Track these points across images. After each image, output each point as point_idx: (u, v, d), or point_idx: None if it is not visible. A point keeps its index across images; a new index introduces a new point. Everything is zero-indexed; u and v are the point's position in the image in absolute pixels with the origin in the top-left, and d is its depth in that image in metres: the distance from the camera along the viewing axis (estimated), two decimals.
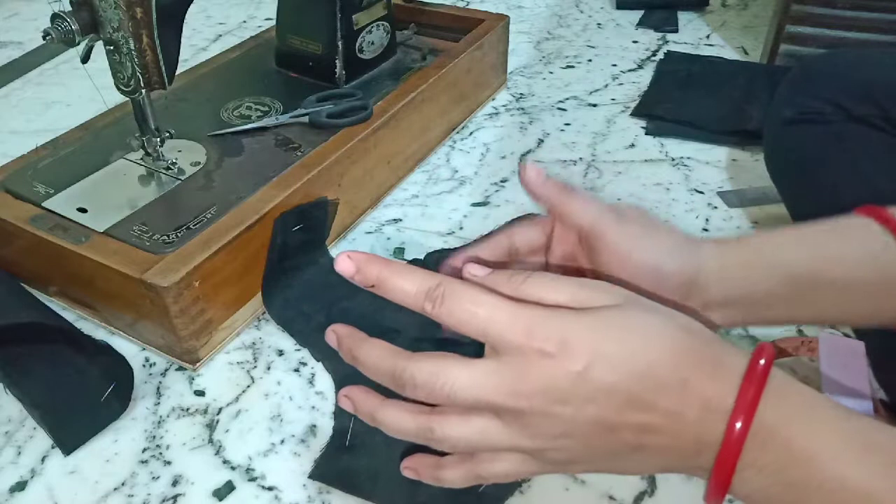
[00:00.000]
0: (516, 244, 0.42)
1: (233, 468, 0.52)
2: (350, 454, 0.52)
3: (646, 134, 0.91)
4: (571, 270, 0.40)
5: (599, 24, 1.24)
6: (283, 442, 0.54)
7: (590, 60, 1.11)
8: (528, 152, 0.88)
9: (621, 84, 1.03)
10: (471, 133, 0.92)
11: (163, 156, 0.67)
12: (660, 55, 1.11)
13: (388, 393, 0.39)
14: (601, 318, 0.30)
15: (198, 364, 0.60)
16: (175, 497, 0.51)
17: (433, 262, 0.69)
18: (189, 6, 0.62)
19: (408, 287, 0.34)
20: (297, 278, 0.66)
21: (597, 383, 0.29)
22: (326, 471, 0.51)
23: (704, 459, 0.29)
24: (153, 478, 0.52)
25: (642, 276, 0.36)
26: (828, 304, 0.37)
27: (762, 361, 0.29)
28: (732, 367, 0.29)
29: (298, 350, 0.62)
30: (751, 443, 0.28)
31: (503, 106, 0.98)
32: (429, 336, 0.58)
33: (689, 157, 0.86)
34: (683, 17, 1.24)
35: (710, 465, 0.29)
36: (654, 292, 0.35)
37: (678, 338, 0.30)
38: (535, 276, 0.32)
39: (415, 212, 0.78)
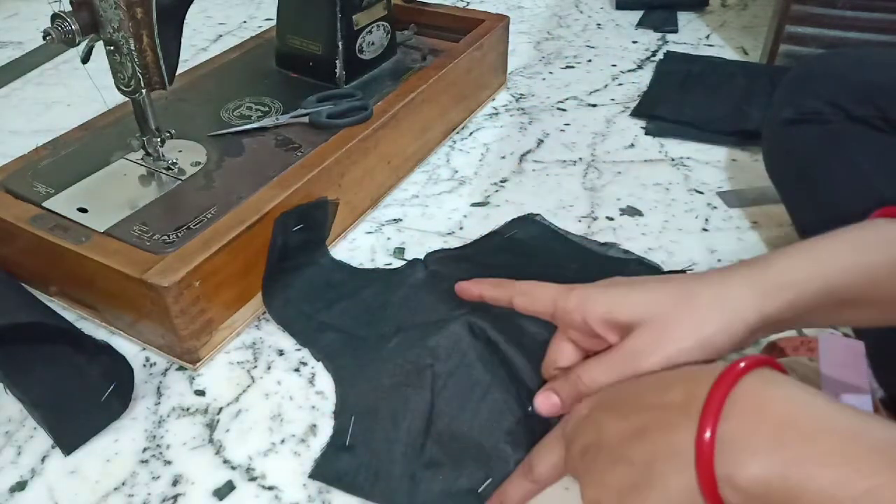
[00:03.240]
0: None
1: (233, 468, 0.52)
2: (350, 454, 0.52)
3: (645, 134, 0.91)
4: None
5: (599, 24, 1.24)
6: (283, 442, 0.54)
7: (589, 61, 1.11)
8: (528, 152, 0.88)
9: (621, 84, 1.03)
10: (471, 133, 0.92)
11: (163, 156, 0.67)
12: (659, 55, 1.11)
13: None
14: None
15: (198, 364, 0.60)
16: (175, 497, 0.51)
17: (433, 261, 0.69)
18: (189, 6, 0.62)
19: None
20: (297, 278, 0.66)
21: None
22: (326, 471, 0.51)
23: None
24: (153, 478, 0.52)
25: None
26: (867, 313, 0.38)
27: (742, 364, 0.31)
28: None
29: (298, 350, 0.62)
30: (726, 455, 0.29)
31: (503, 106, 0.98)
32: (429, 335, 0.58)
33: (688, 157, 0.86)
34: (683, 17, 1.24)
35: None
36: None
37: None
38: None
39: (415, 212, 0.78)
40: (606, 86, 1.03)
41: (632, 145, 0.89)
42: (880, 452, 0.26)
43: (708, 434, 0.29)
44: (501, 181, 0.83)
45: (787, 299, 0.36)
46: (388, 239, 0.74)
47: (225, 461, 0.53)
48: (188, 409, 0.57)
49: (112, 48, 0.58)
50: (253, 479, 0.52)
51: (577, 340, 0.42)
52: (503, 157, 0.87)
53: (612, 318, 0.38)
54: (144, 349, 0.62)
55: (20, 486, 0.52)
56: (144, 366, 0.61)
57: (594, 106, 0.98)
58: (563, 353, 0.42)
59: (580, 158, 0.87)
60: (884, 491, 0.25)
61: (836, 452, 0.27)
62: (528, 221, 0.75)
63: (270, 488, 0.51)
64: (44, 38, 0.56)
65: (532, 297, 0.42)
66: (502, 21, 0.95)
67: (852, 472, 0.26)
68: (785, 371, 0.31)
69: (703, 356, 0.35)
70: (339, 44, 0.80)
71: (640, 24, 1.22)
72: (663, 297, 0.37)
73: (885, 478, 0.25)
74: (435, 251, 0.71)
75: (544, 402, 0.41)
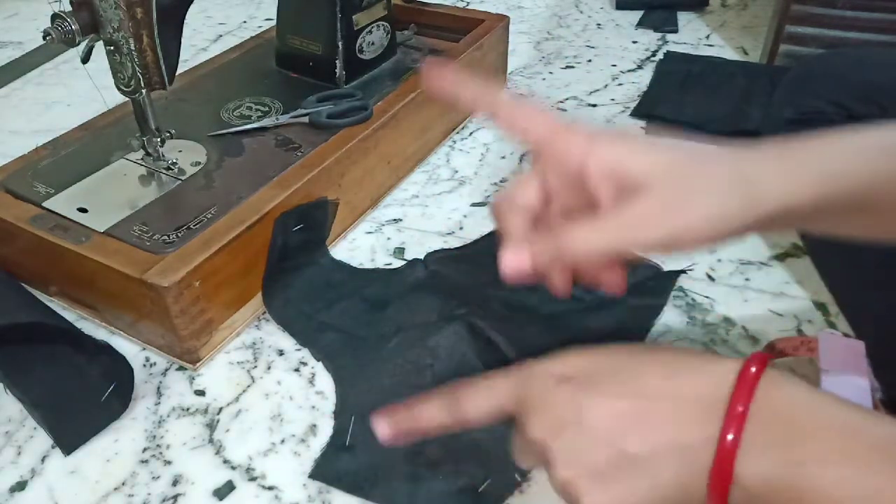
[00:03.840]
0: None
1: (233, 468, 0.52)
2: (350, 454, 0.52)
3: (645, 134, 0.91)
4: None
5: (599, 24, 1.24)
6: (283, 442, 0.54)
7: (589, 61, 1.11)
8: (528, 152, 0.88)
9: (621, 84, 1.03)
10: (471, 133, 0.92)
11: (163, 156, 0.67)
12: (659, 55, 1.11)
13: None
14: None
15: (198, 364, 0.60)
16: (175, 497, 0.51)
17: (433, 261, 0.69)
18: (189, 6, 0.62)
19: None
20: (297, 278, 0.66)
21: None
22: (326, 471, 0.51)
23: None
24: (153, 477, 0.52)
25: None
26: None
27: (753, 369, 0.30)
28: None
29: (298, 350, 0.62)
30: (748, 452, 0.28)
31: None
32: (429, 335, 0.58)
33: None
34: (683, 17, 1.24)
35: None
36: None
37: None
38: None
39: (415, 212, 0.78)
40: (606, 86, 1.03)
41: None
42: (882, 450, 0.26)
43: (731, 436, 0.28)
44: (501, 181, 0.83)
45: (815, 192, 0.31)
46: (388, 239, 0.74)
47: (225, 461, 0.53)
48: (188, 409, 0.57)
49: (112, 48, 0.58)
50: (253, 479, 0.52)
51: (551, 187, 0.35)
52: (503, 157, 0.87)
53: (622, 169, 0.32)
54: (144, 349, 0.62)
55: (20, 486, 0.52)
56: (144, 366, 0.61)
57: (594, 106, 0.98)
58: (526, 190, 0.35)
59: None
60: (885, 489, 0.25)
61: (838, 451, 0.27)
62: None
63: (270, 488, 0.51)
64: (44, 38, 0.56)
65: (525, 115, 0.35)
66: (502, 21, 0.95)
67: (854, 471, 0.26)
68: (763, 368, 0.31)
69: (711, 236, 0.31)
70: (339, 44, 0.80)
71: (640, 24, 1.22)
72: (681, 161, 0.32)
73: (887, 476, 0.25)
74: (435, 251, 0.71)
75: (512, 258, 0.33)
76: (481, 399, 0.35)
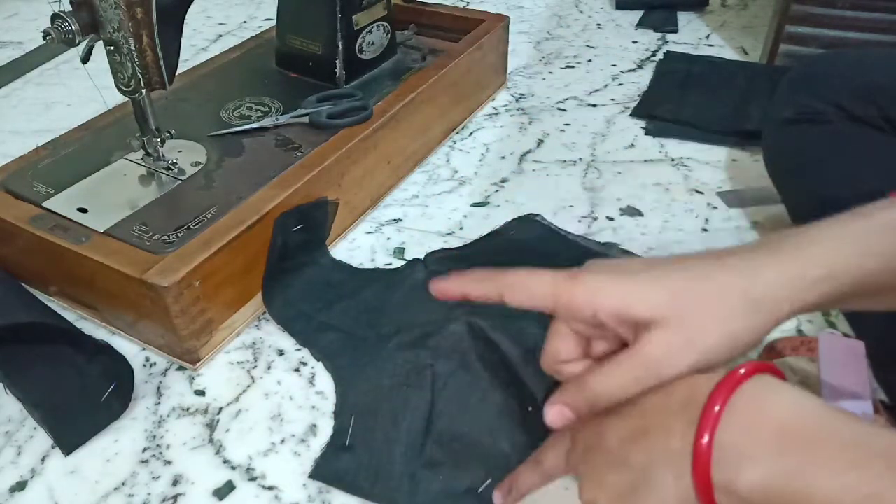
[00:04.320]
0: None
1: (233, 468, 0.52)
2: (350, 454, 0.52)
3: (645, 134, 0.91)
4: None
5: (599, 24, 1.24)
6: (283, 442, 0.54)
7: (589, 61, 1.11)
8: (528, 152, 0.88)
9: (621, 84, 1.03)
10: (471, 133, 0.92)
11: (163, 156, 0.67)
12: (659, 55, 1.11)
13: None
14: None
15: (198, 364, 0.60)
16: (175, 497, 0.51)
17: (433, 261, 0.69)
18: (189, 6, 0.62)
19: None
20: (297, 278, 0.66)
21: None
22: (326, 471, 0.51)
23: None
24: (153, 477, 0.52)
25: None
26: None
27: (742, 371, 0.30)
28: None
29: (298, 350, 0.62)
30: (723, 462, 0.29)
31: (503, 106, 0.98)
32: (429, 335, 0.58)
33: (688, 157, 0.86)
34: (683, 17, 1.24)
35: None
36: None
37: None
38: None
39: (415, 212, 0.78)
40: (606, 86, 1.03)
41: (632, 145, 0.89)
42: (882, 458, 0.26)
43: (706, 439, 0.29)
44: (501, 181, 0.83)
45: (822, 292, 0.32)
46: (388, 239, 0.74)
47: (225, 461, 0.53)
48: (188, 409, 0.57)
49: (112, 48, 0.58)
50: (253, 479, 0.52)
51: (580, 330, 0.37)
52: (503, 157, 0.87)
53: (629, 316, 0.33)
54: (144, 349, 0.62)
55: (20, 486, 0.52)
56: (144, 366, 0.61)
57: (594, 106, 0.98)
58: (565, 344, 0.37)
59: (580, 158, 0.87)
60: (886, 497, 0.25)
61: (838, 459, 0.27)
62: (528, 221, 0.75)
63: (270, 488, 0.51)
64: (44, 38, 0.56)
65: (526, 290, 0.36)
66: (502, 21, 0.95)
67: (854, 479, 0.26)
68: (783, 376, 0.31)
69: (730, 356, 0.32)
70: (339, 44, 0.80)
71: (640, 24, 1.22)
72: (684, 291, 0.32)
73: (887, 483, 0.25)
74: (435, 251, 0.71)
75: (557, 417, 0.35)
76: (552, 451, 0.39)
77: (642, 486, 0.31)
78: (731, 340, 0.32)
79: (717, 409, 0.29)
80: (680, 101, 0.95)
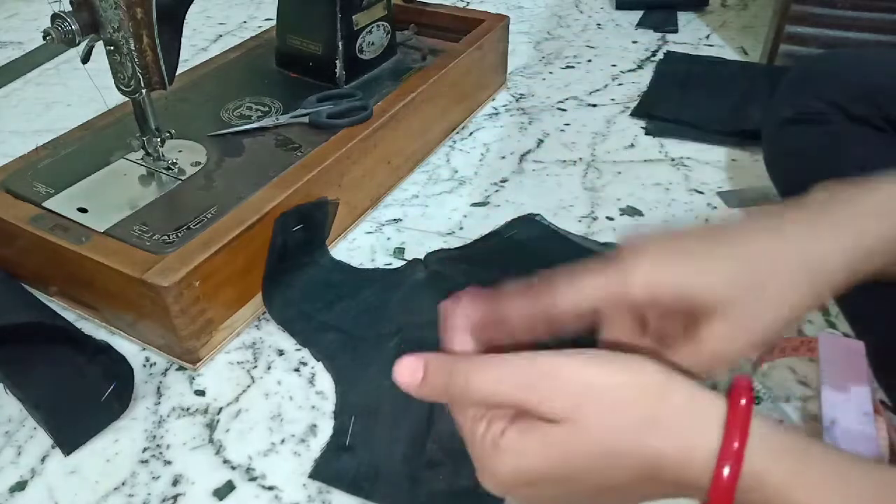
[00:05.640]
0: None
1: (233, 468, 0.52)
2: (350, 454, 0.52)
3: (645, 134, 0.91)
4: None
5: (599, 24, 1.24)
6: (283, 442, 0.54)
7: (589, 61, 1.11)
8: (528, 152, 0.88)
9: (621, 84, 1.03)
10: (471, 133, 0.92)
11: (163, 156, 0.67)
12: (659, 55, 1.11)
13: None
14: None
15: (198, 364, 0.60)
16: (175, 497, 0.51)
17: (433, 261, 0.69)
18: (189, 6, 0.62)
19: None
20: (297, 278, 0.66)
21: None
22: (326, 471, 0.51)
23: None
24: (153, 477, 0.52)
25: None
26: None
27: (743, 401, 0.28)
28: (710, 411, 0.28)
29: (298, 350, 0.62)
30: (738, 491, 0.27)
31: (503, 106, 0.98)
32: (429, 335, 0.58)
33: (688, 157, 0.86)
34: (683, 17, 1.24)
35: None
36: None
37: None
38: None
39: (415, 212, 0.78)
40: (606, 86, 1.03)
41: (632, 145, 0.89)
42: (879, 494, 0.26)
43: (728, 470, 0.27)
44: (501, 181, 0.83)
45: (881, 263, 0.32)
46: (388, 239, 0.74)
47: (225, 461, 0.53)
48: (188, 409, 0.57)
49: (112, 48, 0.58)
50: (253, 479, 0.52)
51: (629, 311, 0.33)
52: (503, 157, 0.87)
53: (690, 300, 0.30)
54: (144, 349, 0.62)
55: (20, 486, 0.52)
56: (144, 366, 0.61)
57: (594, 106, 0.98)
58: (623, 331, 0.33)
59: (580, 158, 0.87)
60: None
61: (839, 496, 0.26)
62: (528, 221, 0.75)
63: (270, 488, 0.51)
64: (44, 38, 0.56)
65: (574, 294, 0.32)
66: (502, 21, 0.95)
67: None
68: (752, 397, 0.29)
69: (779, 333, 0.31)
70: (339, 44, 0.80)
71: (640, 24, 1.22)
72: (745, 272, 0.31)
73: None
74: (435, 251, 0.71)
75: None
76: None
77: None
78: (786, 315, 0.31)
79: (735, 445, 0.27)
80: (680, 101, 0.95)
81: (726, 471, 0.26)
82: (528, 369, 0.29)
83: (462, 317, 0.34)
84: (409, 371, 0.33)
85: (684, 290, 0.31)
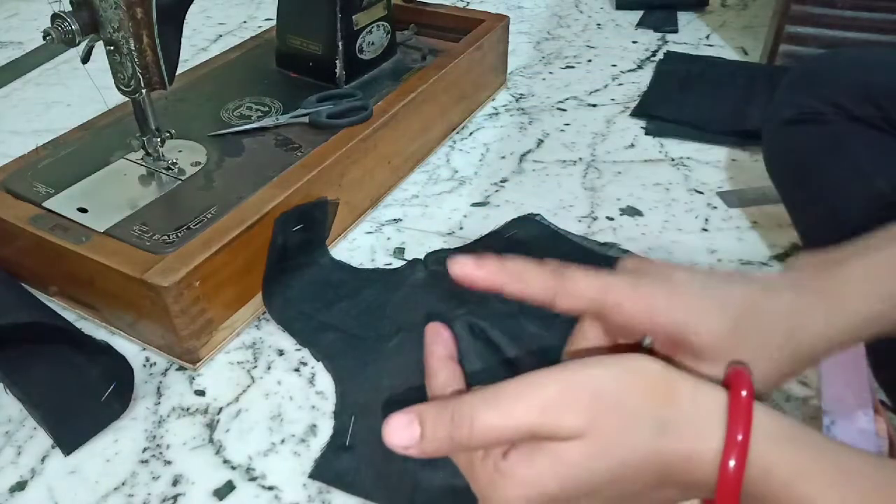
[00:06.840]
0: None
1: (233, 468, 0.52)
2: (350, 454, 0.52)
3: (645, 134, 0.91)
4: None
5: (599, 24, 1.24)
6: (283, 442, 0.54)
7: (589, 61, 1.11)
8: (528, 152, 0.88)
9: (621, 84, 1.03)
10: (471, 133, 0.92)
11: (163, 156, 0.67)
12: (659, 55, 1.11)
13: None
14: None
15: (198, 364, 0.60)
16: (175, 497, 0.51)
17: (433, 261, 0.69)
18: (189, 6, 0.62)
19: None
20: (297, 278, 0.66)
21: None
22: (326, 471, 0.51)
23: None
24: (153, 477, 0.52)
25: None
26: None
27: (744, 393, 0.28)
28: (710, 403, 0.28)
29: (298, 350, 0.62)
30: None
31: (503, 106, 0.98)
32: None
33: (688, 157, 0.86)
34: (683, 17, 1.24)
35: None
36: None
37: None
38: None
39: (415, 212, 0.78)
40: (606, 86, 1.03)
41: (632, 145, 0.89)
42: (881, 492, 0.26)
43: (733, 463, 0.27)
44: (501, 181, 0.83)
45: (869, 331, 0.32)
46: (388, 239, 0.74)
47: (225, 461, 0.53)
48: (188, 409, 0.57)
49: (112, 48, 0.58)
50: (253, 479, 0.52)
51: (610, 330, 0.33)
52: (503, 157, 0.87)
53: (686, 338, 0.30)
54: (144, 349, 0.62)
55: (20, 486, 0.52)
56: (144, 366, 0.61)
57: (594, 106, 0.98)
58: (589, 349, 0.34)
59: (580, 158, 0.87)
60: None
61: (839, 492, 0.26)
62: (528, 221, 0.75)
63: (270, 488, 0.51)
64: (44, 38, 0.56)
65: (575, 289, 0.32)
66: (502, 21, 0.95)
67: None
68: (752, 390, 0.28)
69: (768, 388, 0.31)
70: (339, 44, 0.80)
71: (640, 24, 1.22)
72: (740, 324, 0.30)
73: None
74: (435, 251, 0.71)
75: None
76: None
77: None
78: (769, 379, 0.31)
79: (740, 436, 0.27)
80: (680, 101, 0.95)
81: (732, 463, 0.26)
82: (535, 392, 0.28)
83: (443, 346, 0.33)
84: (402, 428, 0.30)
85: (686, 327, 0.30)
